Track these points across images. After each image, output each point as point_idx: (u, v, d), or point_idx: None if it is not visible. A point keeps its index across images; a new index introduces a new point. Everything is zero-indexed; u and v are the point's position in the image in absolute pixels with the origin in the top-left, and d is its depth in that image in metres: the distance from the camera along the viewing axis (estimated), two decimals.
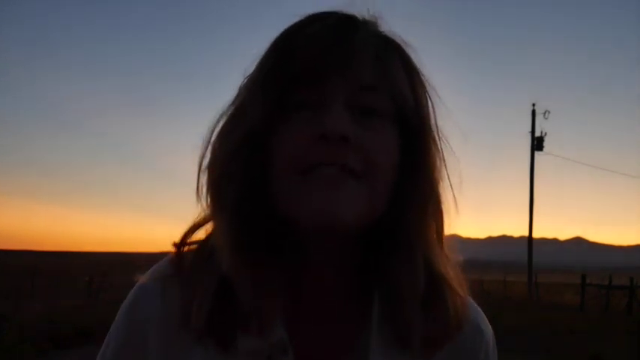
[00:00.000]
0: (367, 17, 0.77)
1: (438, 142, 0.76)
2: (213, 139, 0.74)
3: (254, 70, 0.74)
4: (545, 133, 29.33)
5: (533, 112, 29.42)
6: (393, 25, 0.78)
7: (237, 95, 0.75)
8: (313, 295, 0.75)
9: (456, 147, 0.78)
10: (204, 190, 0.74)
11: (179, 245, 0.77)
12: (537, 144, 29.10)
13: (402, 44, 0.77)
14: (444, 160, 0.77)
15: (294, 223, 0.69)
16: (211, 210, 0.74)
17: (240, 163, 0.70)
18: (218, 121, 0.75)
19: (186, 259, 0.76)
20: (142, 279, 0.77)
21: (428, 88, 0.77)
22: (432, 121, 0.76)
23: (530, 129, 29.30)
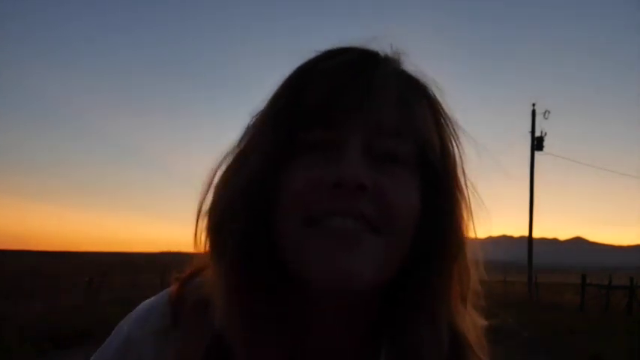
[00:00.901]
0: (390, 54, 0.71)
1: (466, 192, 0.70)
2: (216, 180, 0.69)
3: (264, 109, 0.69)
4: (545, 133, 29.40)
5: (533, 112, 29.44)
6: (420, 63, 0.72)
7: (244, 134, 0.70)
8: (315, 348, 0.69)
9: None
10: (204, 235, 0.68)
11: (178, 292, 0.71)
12: (537, 144, 29.12)
13: (429, 84, 0.71)
14: (472, 213, 0.70)
15: (299, 275, 0.63)
16: (211, 255, 0.67)
17: (245, 202, 0.64)
18: (222, 162, 0.70)
19: (186, 304, 0.70)
20: (135, 329, 0.71)
21: (456, 131, 0.71)
22: (460, 169, 0.71)
23: (530, 129, 29.34)
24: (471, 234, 0.71)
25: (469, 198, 0.71)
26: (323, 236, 0.61)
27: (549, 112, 29.48)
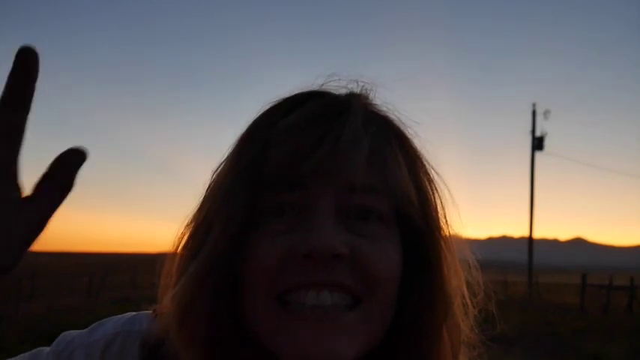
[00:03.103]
0: (357, 95, 0.65)
1: (450, 243, 0.65)
2: (178, 256, 0.64)
3: (223, 168, 0.64)
4: (546, 133, 29.38)
5: (534, 112, 29.42)
6: (388, 92, 0.66)
7: (204, 201, 0.64)
8: None
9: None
10: (171, 317, 0.61)
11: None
12: (537, 144, 29.11)
13: (401, 127, 0.65)
14: (457, 265, 0.65)
15: (272, 353, 0.59)
16: (179, 336, 0.60)
17: (210, 286, 0.58)
18: (183, 236, 0.64)
19: None
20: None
21: (432, 177, 0.66)
22: (441, 219, 0.65)
23: (530, 129, 29.35)
24: (459, 288, 0.65)
25: (453, 249, 0.65)
26: (297, 317, 0.56)
27: (549, 112, 29.53)
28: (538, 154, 29.20)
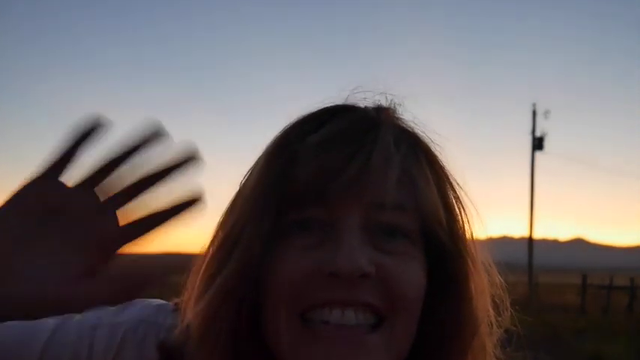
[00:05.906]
0: (385, 109, 0.65)
1: (477, 262, 0.64)
2: (203, 269, 0.62)
3: (248, 186, 0.63)
4: (546, 133, 29.38)
5: (534, 112, 29.42)
6: (416, 110, 0.66)
7: (230, 214, 0.63)
8: None
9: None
10: (194, 329, 0.60)
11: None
12: (537, 144, 29.11)
13: (429, 144, 0.65)
14: (484, 285, 0.65)
15: None
16: (200, 348, 0.59)
17: (234, 302, 0.58)
18: (209, 249, 0.63)
19: None
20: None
21: (459, 195, 0.65)
22: (468, 238, 0.65)
23: (530, 129, 29.35)
24: (485, 309, 0.65)
25: (480, 268, 0.65)
26: (321, 337, 0.56)
27: (549, 112, 29.52)
28: (538, 154, 29.22)
